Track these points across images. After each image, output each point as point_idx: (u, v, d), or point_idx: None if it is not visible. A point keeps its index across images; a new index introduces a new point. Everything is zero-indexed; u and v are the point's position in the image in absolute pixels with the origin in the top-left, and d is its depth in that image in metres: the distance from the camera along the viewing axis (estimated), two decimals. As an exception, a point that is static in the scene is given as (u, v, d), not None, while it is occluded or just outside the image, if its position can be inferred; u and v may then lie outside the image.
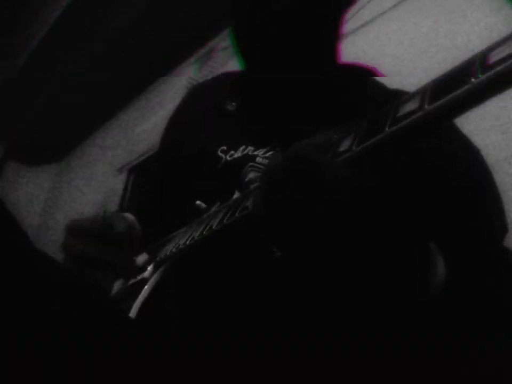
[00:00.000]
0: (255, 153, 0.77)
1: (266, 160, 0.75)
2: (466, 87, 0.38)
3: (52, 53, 3.21)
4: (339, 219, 0.46)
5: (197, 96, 1.00)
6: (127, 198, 3.34)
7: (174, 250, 0.69)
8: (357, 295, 0.57)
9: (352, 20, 2.00)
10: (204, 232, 0.63)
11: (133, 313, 0.65)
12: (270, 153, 0.76)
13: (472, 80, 0.37)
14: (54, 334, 0.48)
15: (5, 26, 3.09)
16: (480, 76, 0.37)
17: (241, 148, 0.78)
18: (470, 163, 0.73)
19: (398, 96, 0.81)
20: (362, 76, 0.88)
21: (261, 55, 0.78)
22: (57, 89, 3.52)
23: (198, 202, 0.74)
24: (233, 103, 0.87)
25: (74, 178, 4.15)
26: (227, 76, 1.01)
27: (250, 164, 0.76)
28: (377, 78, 0.89)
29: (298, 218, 0.46)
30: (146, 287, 0.67)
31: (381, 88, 0.87)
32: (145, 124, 3.38)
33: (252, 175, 0.75)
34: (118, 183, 3.54)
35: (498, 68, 0.36)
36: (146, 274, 0.71)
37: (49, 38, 3.14)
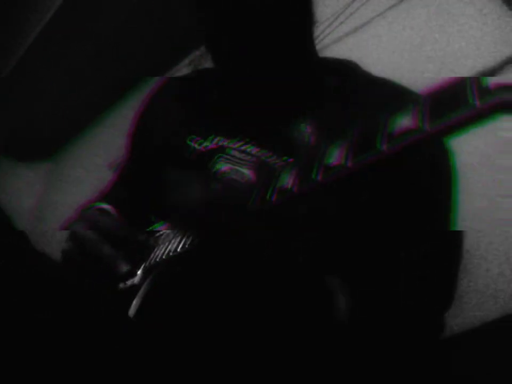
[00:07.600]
0: (225, 143, 0.76)
1: (237, 151, 0.75)
2: (468, 109, 0.37)
3: (46, 51, 3.19)
4: None
5: (167, 89, 0.97)
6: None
7: (164, 257, 0.68)
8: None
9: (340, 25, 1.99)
10: (195, 242, 0.62)
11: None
12: (241, 144, 0.75)
13: (475, 103, 0.37)
14: (50, 330, 0.49)
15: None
16: (481, 99, 0.36)
17: (211, 138, 0.77)
18: (436, 171, 0.72)
19: (383, 85, 0.81)
20: (343, 67, 0.86)
21: (234, 52, 0.75)
22: (52, 87, 3.50)
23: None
24: (207, 95, 0.86)
25: (68, 175, 4.13)
26: (201, 71, 1.00)
27: (220, 154, 0.75)
28: (360, 69, 0.86)
29: None
30: (138, 295, 0.67)
31: (365, 77, 0.85)
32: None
33: (220, 165, 0.74)
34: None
35: (504, 94, 0.36)
36: (136, 280, 0.70)
37: (43, 37, 3.12)
